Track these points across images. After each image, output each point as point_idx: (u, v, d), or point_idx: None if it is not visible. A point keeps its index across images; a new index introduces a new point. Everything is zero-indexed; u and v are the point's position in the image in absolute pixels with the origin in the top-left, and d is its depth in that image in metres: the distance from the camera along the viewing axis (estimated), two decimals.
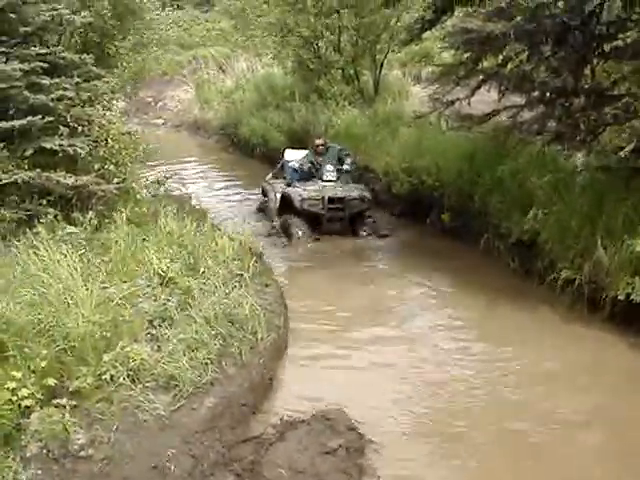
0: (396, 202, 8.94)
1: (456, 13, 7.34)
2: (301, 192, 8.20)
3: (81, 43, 8.58)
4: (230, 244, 6.08)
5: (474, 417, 4.36)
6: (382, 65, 11.84)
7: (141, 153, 7.25)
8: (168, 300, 4.79)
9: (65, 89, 6.07)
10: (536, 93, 6.81)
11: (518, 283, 6.46)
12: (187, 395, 4.00)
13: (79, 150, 5.93)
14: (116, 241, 5.47)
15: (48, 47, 6.31)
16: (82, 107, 6.37)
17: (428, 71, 11.65)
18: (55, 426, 3.44)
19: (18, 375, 3.54)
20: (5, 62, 5.75)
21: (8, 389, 3.46)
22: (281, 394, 4.66)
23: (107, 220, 5.85)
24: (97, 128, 6.53)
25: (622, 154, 5.41)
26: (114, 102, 7.68)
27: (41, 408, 3.53)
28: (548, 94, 6.70)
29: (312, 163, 8.72)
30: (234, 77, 17.22)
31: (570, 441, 4.11)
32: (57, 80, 6.06)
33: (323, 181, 8.47)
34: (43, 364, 3.69)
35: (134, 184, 6.90)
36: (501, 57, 7.00)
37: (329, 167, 8.55)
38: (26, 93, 5.78)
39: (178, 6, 26.43)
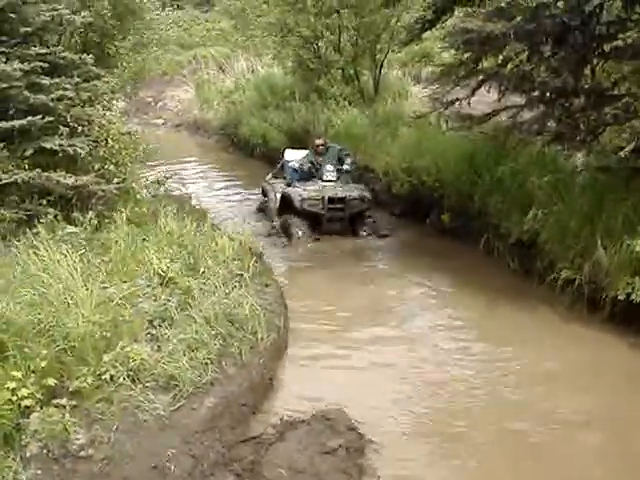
0: (396, 202, 8.94)
1: (456, 13, 7.35)
2: (301, 192, 8.20)
3: (81, 43, 8.59)
4: (230, 244, 6.08)
5: (474, 417, 4.36)
6: (382, 65, 11.84)
7: (141, 153, 7.25)
8: (168, 300, 4.79)
9: (65, 89, 6.07)
10: (536, 93, 6.80)
11: (518, 283, 6.46)
12: (187, 395, 4.00)
13: (79, 150, 5.93)
14: (116, 241, 5.47)
15: (48, 47, 6.31)
16: (82, 107, 6.37)
17: (428, 71, 11.66)
18: (55, 426, 3.44)
19: (18, 375, 3.54)
20: (5, 62, 5.74)
21: (8, 389, 3.46)
22: (281, 394, 4.66)
23: (107, 220, 5.85)
24: (97, 128, 6.53)
25: (622, 154, 5.41)
26: (114, 102, 7.68)
27: (41, 408, 3.53)
28: (548, 94, 6.69)
29: (312, 163, 8.72)
30: (234, 77, 17.22)
31: (570, 441, 4.11)
32: (57, 80, 6.05)
33: (323, 181, 8.47)
34: (43, 364, 3.69)
35: (134, 184, 6.90)
36: (501, 57, 6.99)
37: (329, 167, 8.55)
38: (26, 93, 5.78)
39: (178, 6, 26.43)
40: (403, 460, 3.91)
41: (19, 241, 5.04)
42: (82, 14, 6.95)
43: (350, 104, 11.38)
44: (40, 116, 5.72)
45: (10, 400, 3.43)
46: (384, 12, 10.59)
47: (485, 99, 7.56)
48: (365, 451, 3.93)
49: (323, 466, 3.70)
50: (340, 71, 12.04)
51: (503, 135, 7.21)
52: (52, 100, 5.92)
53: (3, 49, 5.93)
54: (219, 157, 14.58)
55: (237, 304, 5.02)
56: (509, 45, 6.58)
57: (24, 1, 6.19)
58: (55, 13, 6.37)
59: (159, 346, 4.32)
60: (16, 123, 5.65)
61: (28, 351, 3.75)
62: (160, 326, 4.53)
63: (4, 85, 5.67)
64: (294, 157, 9.16)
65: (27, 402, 3.48)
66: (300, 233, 8.00)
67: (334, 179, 8.50)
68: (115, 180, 6.34)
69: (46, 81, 5.94)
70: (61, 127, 5.98)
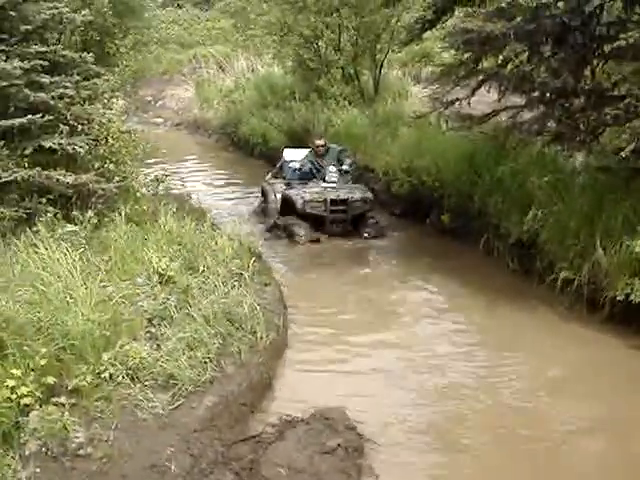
0: (396, 202, 8.94)
1: (456, 13, 7.35)
2: (303, 194, 8.16)
3: (81, 41, 8.59)
4: (230, 243, 6.08)
5: (473, 419, 4.35)
6: (382, 65, 11.84)
7: (140, 152, 7.25)
8: (167, 299, 4.79)
9: (65, 87, 6.06)
10: (536, 93, 6.80)
11: (518, 283, 6.46)
12: (186, 394, 4.00)
13: (79, 148, 5.92)
14: (116, 240, 5.47)
15: (48, 45, 6.30)
16: (82, 105, 6.36)
17: (428, 71, 11.67)
18: (54, 424, 3.43)
19: (17, 373, 3.54)
20: (5, 60, 5.74)
21: (7, 387, 3.46)
22: (280, 393, 4.65)
23: (107, 219, 5.85)
24: (97, 126, 6.53)
25: (622, 155, 5.41)
26: (114, 100, 7.67)
27: (40, 406, 3.52)
28: (548, 94, 6.69)
29: (312, 164, 8.72)
30: (234, 76, 17.21)
31: (570, 443, 4.10)
32: (57, 78, 6.05)
33: (326, 182, 8.45)
34: (42, 362, 3.69)
35: (134, 183, 6.90)
36: (501, 57, 6.99)
37: (332, 168, 8.53)
38: (26, 91, 5.77)
39: (178, 5, 26.48)
40: (402, 462, 3.90)
41: (19, 239, 5.03)
42: (82, 12, 6.95)
43: (350, 104, 11.38)
44: (40, 114, 5.71)
45: (9, 398, 3.43)
46: (384, 12, 10.59)
47: (485, 99, 7.56)
48: (364, 451, 3.93)
49: (322, 465, 3.70)
50: (340, 71, 12.04)
51: (503, 135, 7.21)
52: (52, 98, 5.91)
53: (3, 47, 5.92)
54: (219, 156, 14.57)
55: (236, 303, 5.02)
56: (509, 45, 6.58)
57: None
58: (55, 11, 6.35)
59: (158, 345, 4.32)
60: (16, 121, 5.64)
61: (27, 349, 3.74)
62: (159, 325, 4.53)
63: (4, 83, 5.66)
64: (293, 157, 9.14)
65: (26, 400, 3.47)
66: (301, 233, 7.99)
67: (337, 180, 8.48)
68: (115, 179, 6.34)
69: (46, 79, 5.94)
70: (61, 125, 5.97)
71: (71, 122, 6.14)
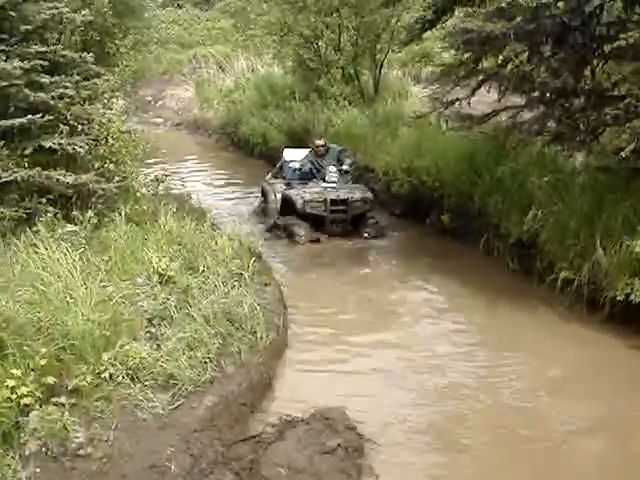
0: (396, 202, 8.94)
1: (456, 13, 7.35)
2: (303, 194, 8.17)
3: (81, 41, 8.59)
4: (230, 243, 6.08)
5: (473, 419, 4.35)
6: (382, 65, 11.84)
7: (140, 152, 7.25)
8: (167, 299, 4.79)
9: (65, 87, 6.06)
10: (536, 93, 6.80)
11: (518, 283, 6.46)
12: (186, 394, 4.00)
13: (79, 148, 5.92)
14: (116, 240, 5.47)
15: (48, 45, 6.30)
16: (82, 105, 6.37)
17: (428, 71, 11.67)
18: (54, 424, 3.43)
19: (17, 373, 3.54)
20: (5, 60, 5.74)
21: (7, 387, 3.46)
22: (280, 393, 4.65)
23: (107, 219, 5.85)
24: (97, 126, 6.53)
25: (622, 155, 5.41)
26: (114, 100, 7.67)
27: (40, 406, 3.52)
28: (548, 94, 6.69)
29: (312, 164, 8.72)
30: (234, 76, 17.21)
31: (570, 443, 4.10)
32: (57, 78, 6.05)
33: (326, 182, 8.45)
34: (42, 362, 3.69)
35: (134, 183, 6.90)
36: (501, 57, 6.99)
37: (332, 169, 8.53)
38: (26, 91, 5.77)
39: (178, 5, 26.49)
40: (402, 463, 3.90)
41: (19, 239, 5.03)
42: (82, 12, 6.95)
43: (350, 104, 11.38)
44: (40, 114, 5.71)
45: (9, 398, 3.43)
46: (384, 12, 10.59)
47: (485, 99, 7.56)
48: (364, 451, 3.93)
49: (322, 465, 3.70)
50: (340, 71, 12.04)
51: (503, 135, 7.21)
52: (52, 98, 5.91)
53: (3, 47, 5.92)
54: (219, 156, 14.57)
55: (236, 303, 5.02)
56: (509, 45, 6.58)
57: None
58: (55, 11, 6.35)
59: (158, 345, 4.32)
60: (16, 121, 5.64)
61: (27, 349, 3.74)
62: (159, 325, 4.53)
63: (4, 83, 5.66)
64: (293, 157, 9.14)
65: (26, 400, 3.47)
66: (301, 233, 7.99)
67: (337, 180, 8.48)
68: (115, 179, 6.34)
69: (46, 79, 5.94)
70: (61, 125, 5.97)
71: (71, 122, 6.14)
